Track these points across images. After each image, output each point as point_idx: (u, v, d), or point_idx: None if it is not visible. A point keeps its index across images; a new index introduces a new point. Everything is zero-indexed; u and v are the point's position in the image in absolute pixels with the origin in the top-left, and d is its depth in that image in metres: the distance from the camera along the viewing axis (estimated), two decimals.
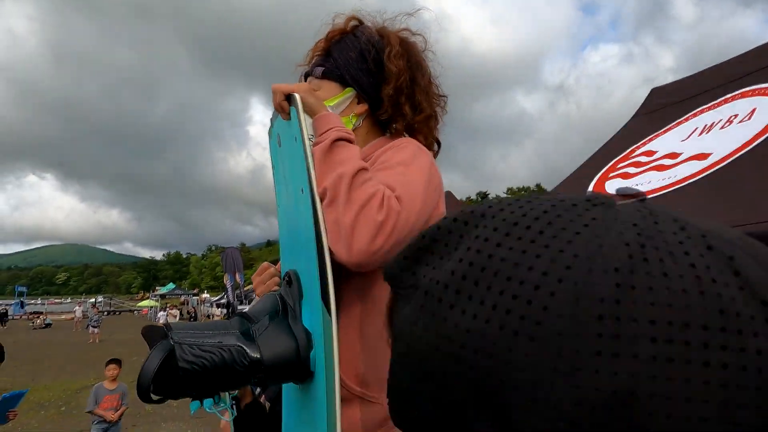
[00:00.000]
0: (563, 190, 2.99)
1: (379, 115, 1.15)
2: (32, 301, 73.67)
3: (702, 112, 2.64)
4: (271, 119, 1.13)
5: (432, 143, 1.21)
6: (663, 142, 2.68)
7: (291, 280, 0.95)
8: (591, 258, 0.25)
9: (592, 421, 0.24)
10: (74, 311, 34.02)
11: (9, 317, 37.24)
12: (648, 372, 0.23)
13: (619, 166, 2.82)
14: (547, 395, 0.25)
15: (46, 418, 7.98)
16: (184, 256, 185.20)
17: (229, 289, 16.13)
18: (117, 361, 5.23)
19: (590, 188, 2.74)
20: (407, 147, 1.05)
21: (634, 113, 3.33)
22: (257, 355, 0.83)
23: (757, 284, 0.25)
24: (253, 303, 1.02)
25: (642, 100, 3.39)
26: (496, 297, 0.27)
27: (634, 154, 2.79)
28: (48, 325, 31.29)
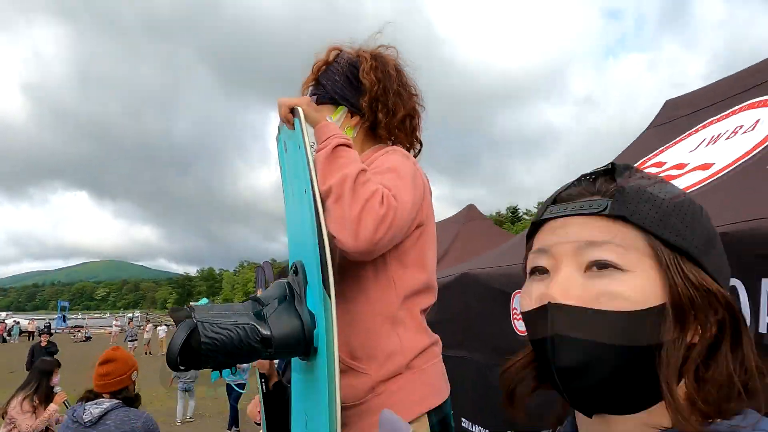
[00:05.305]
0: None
1: (364, 122, 1.32)
2: (73, 316, 76.27)
3: (711, 123, 2.70)
4: (279, 127, 1.30)
5: (414, 143, 1.37)
6: (672, 154, 2.74)
7: (297, 269, 1.10)
8: None
9: None
10: (112, 326, 35.15)
11: (52, 331, 38.68)
12: None
13: None
14: None
15: None
16: (217, 272, 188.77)
17: None
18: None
19: None
20: (393, 154, 1.22)
21: (647, 126, 3.39)
22: (268, 333, 0.98)
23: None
24: (265, 291, 1.18)
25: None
26: None
27: (644, 166, 2.85)
28: (88, 338, 32.36)
